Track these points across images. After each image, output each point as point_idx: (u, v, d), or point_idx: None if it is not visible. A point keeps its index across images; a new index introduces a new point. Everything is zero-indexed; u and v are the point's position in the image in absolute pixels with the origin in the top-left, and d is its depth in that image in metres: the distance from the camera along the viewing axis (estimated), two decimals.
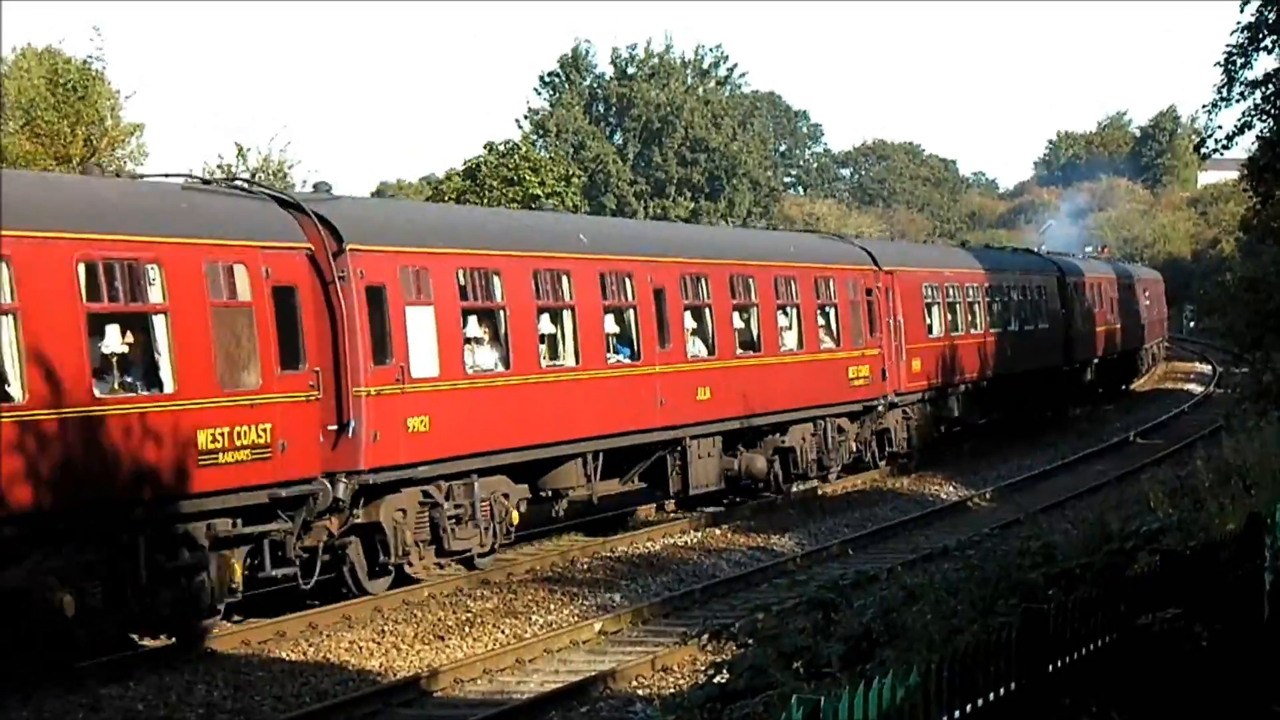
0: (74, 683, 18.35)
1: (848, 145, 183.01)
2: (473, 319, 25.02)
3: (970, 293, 43.76)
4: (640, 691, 18.26)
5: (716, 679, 12.39)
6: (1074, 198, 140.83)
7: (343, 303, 22.05)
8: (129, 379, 19.21)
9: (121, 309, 19.05)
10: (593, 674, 18.80)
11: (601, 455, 27.67)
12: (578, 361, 26.91)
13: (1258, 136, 33.19)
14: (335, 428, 21.91)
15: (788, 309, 33.87)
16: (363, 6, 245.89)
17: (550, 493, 27.36)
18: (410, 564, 23.65)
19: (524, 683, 19.07)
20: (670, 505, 32.10)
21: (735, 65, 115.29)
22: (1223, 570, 11.83)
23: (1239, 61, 32.57)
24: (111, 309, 18.95)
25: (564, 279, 26.81)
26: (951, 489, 36.65)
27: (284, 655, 20.18)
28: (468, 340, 24.72)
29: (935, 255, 47.99)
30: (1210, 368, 72.73)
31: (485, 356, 25.15)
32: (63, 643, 18.21)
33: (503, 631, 21.72)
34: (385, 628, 21.67)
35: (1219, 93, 33.00)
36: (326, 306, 22.04)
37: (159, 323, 19.36)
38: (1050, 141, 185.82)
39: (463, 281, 24.60)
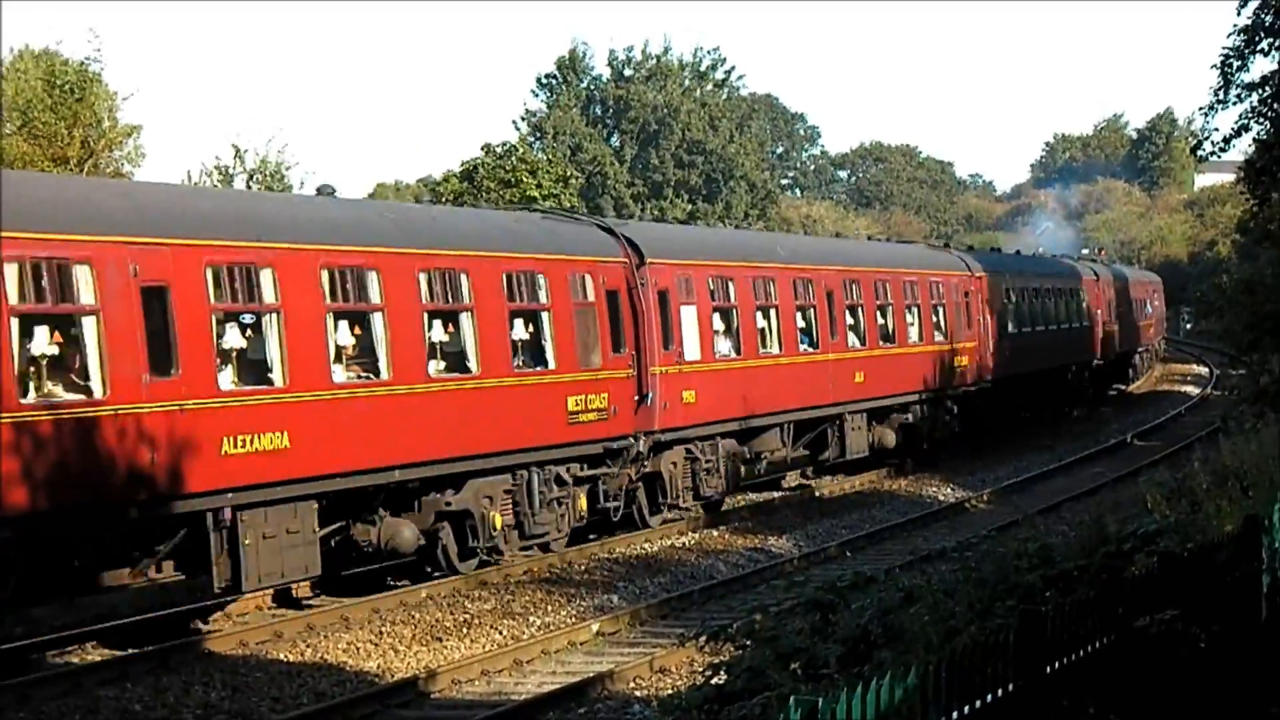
0: (72, 684, 18.36)
1: (845, 147, 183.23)
2: (716, 315, 31.36)
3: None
4: (638, 693, 18.27)
5: (714, 680, 12.38)
6: (1067, 199, 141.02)
7: (643, 302, 28.41)
8: (527, 359, 26.09)
9: (525, 307, 25.88)
10: (590, 675, 18.81)
11: (793, 426, 33.96)
12: (781, 349, 33.32)
13: (1255, 139, 33.18)
14: (638, 398, 28.16)
15: (911, 308, 40.12)
16: (360, 8, 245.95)
17: (756, 454, 33.21)
18: (682, 504, 30.25)
19: (522, 684, 19.07)
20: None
21: (733, 68, 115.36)
22: (1220, 572, 11.84)
23: (1236, 64, 32.56)
24: (519, 308, 25.64)
25: (771, 284, 33.25)
26: (949, 490, 36.68)
27: (282, 656, 20.19)
28: (715, 331, 31.06)
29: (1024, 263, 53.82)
30: (1207, 370, 72.80)
31: (724, 345, 31.51)
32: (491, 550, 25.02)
33: (500, 633, 21.73)
34: (383, 629, 21.68)
35: (1216, 95, 32.98)
36: (630, 306, 28.38)
37: (545, 318, 26.36)
38: (1047, 144, 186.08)
39: (711, 286, 31.03)
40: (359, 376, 22.57)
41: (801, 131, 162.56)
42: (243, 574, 20.14)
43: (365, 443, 22.11)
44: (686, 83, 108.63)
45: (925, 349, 40.58)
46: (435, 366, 23.99)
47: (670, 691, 17.46)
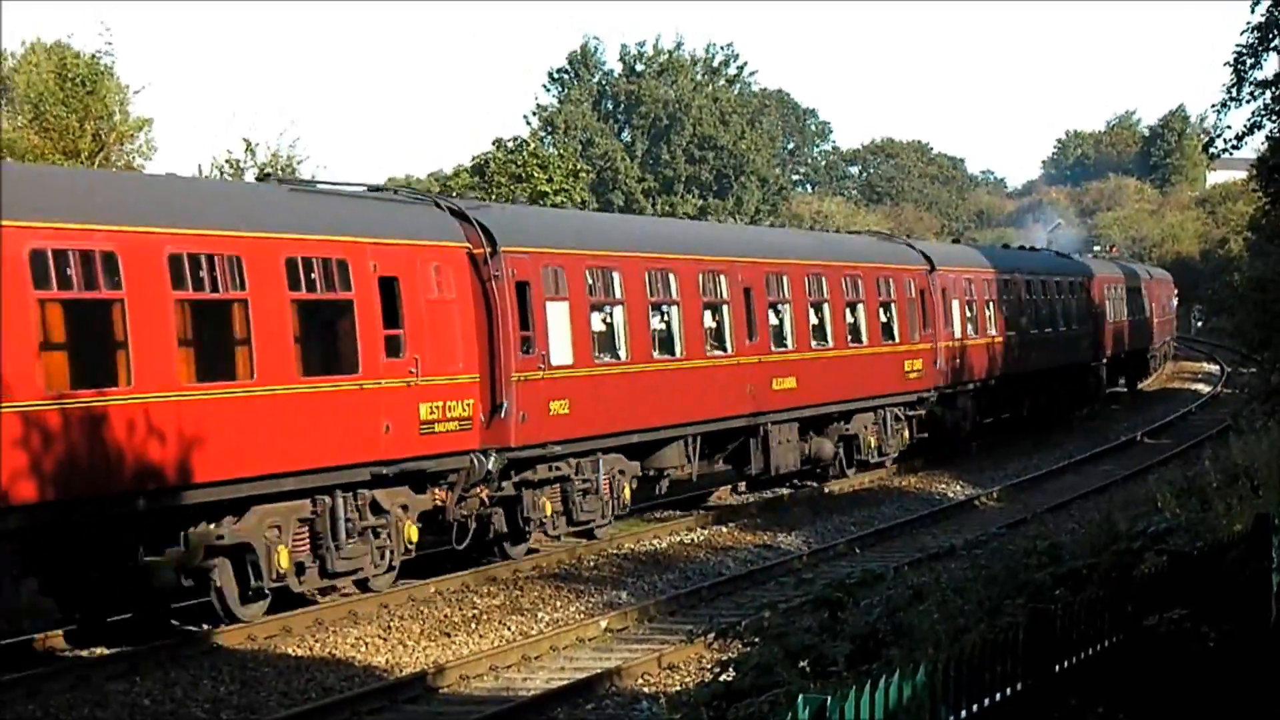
0: (80, 677, 18.37)
1: (856, 143, 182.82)
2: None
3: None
4: (646, 689, 18.25)
5: (722, 677, 12.38)
6: (1078, 196, 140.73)
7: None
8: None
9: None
10: (599, 671, 18.79)
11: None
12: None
13: (1267, 136, 33.09)
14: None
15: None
16: (370, 4, 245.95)
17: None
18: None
19: (530, 680, 19.06)
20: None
21: (745, 64, 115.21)
22: (1230, 571, 11.81)
23: (1249, 61, 32.45)
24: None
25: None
26: (959, 488, 36.63)
27: (290, 651, 20.19)
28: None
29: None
30: (1218, 368, 72.66)
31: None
32: None
33: (509, 628, 21.71)
34: (391, 624, 21.67)
35: (1228, 93, 32.88)
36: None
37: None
38: (1059, 140, 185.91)
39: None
40: None
41: (813, 127, 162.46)
42: None
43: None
44: (698, 78, 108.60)
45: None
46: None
47: (678, 688, 17.46)
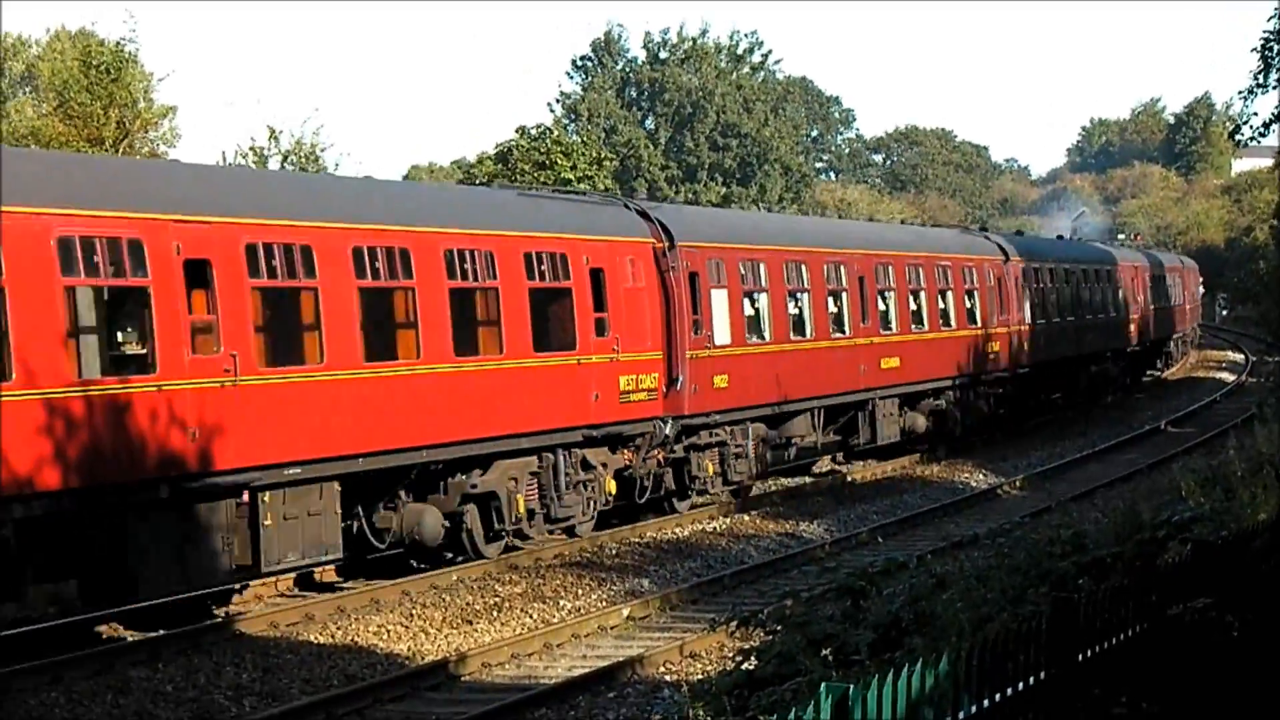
0: (103, 664, 18.41)
1: (880, 131, 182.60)
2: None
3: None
4: (668, 677, 18.24)
5: (745, 666, 12.37)
6: (1103, 184, 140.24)
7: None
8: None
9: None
10: (621, 659, 18.78)
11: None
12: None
13: None
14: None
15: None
16: None
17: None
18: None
19: (552, 667, 19.06)
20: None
21: (770, 51, 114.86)
22: (1255, 560, 11.76)
23: (1276, 48, 32.33)
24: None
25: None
26: (981, 476, 36.56)
27: (312, 638, 20.21)
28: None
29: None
30: (1243, 356, 72.42)
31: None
32: None
33: (531, 616, 21.72)
34: (413, 611, 21.68)
35: (1255, 79, 32.77)
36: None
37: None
38: (1084, 128, 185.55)
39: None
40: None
41: (836, 115, 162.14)
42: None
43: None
44: (722, 65, 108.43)
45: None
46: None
47: (700, 677, 17.44)
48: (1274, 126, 33.47)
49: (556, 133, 69.42)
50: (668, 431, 28.26)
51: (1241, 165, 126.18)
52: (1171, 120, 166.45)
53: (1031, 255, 47.27)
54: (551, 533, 26.25)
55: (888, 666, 8.47)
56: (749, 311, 31.35)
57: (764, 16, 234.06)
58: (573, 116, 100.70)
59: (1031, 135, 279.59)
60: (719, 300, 30.01)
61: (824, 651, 11.79)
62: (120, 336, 19.39)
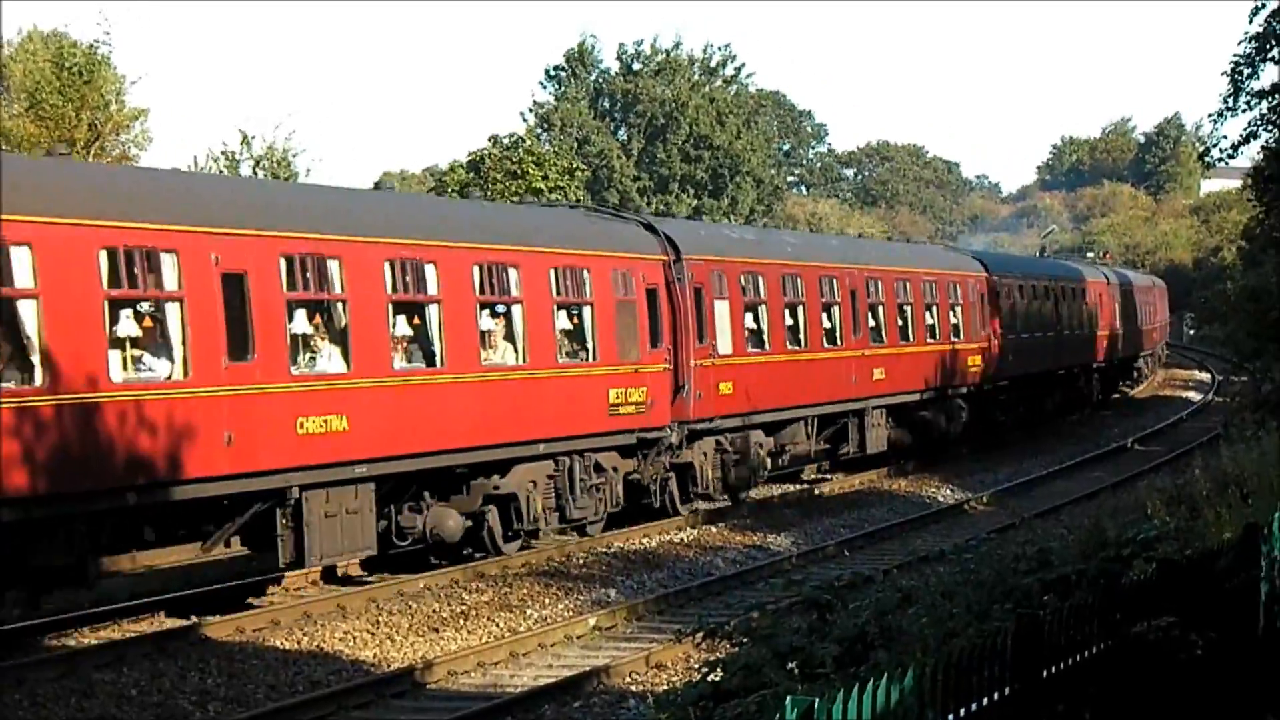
0: (67, 668, 18.35)
1: (852, 146, 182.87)
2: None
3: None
4: (634, 688, 18.26)
5: (710, 677, 12.35)
6: (1073, 202, 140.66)
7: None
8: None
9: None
10: (586, 669, 18.80)
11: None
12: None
13: (1263, 146, 33.21)
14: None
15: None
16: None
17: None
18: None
19: (517, 676, 19.06)
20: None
21: (743, 64, 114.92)
22: (1219, 579, 11.82)
23: (1246, 72, 32.56)
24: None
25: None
26: (949, 491, 36.65)
27: (278, 644, 20.18)
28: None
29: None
30: (1209, 376, 72.72)
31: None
32: None
33: (497, 625, 21.71)
34: (380, 618, 21.67)
35: (1225, 102, 32.99)
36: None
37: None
38: (1054, 146, 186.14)
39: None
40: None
41: (809, 129, 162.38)
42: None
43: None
44: (695, 78, 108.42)
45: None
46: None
47: (666, 687, 17.42)
48: (1243, 149, 33.71)
49: (529, 142, 69.36)
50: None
51: (1210, 185, 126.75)
52: (1141, 140, 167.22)
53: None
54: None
55: (853, 680, 8.50)
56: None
57: (738, 30, 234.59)
58: (545, 126, 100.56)
59: (1003, 153, 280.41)
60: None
61: (790, 664, 11.79)
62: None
